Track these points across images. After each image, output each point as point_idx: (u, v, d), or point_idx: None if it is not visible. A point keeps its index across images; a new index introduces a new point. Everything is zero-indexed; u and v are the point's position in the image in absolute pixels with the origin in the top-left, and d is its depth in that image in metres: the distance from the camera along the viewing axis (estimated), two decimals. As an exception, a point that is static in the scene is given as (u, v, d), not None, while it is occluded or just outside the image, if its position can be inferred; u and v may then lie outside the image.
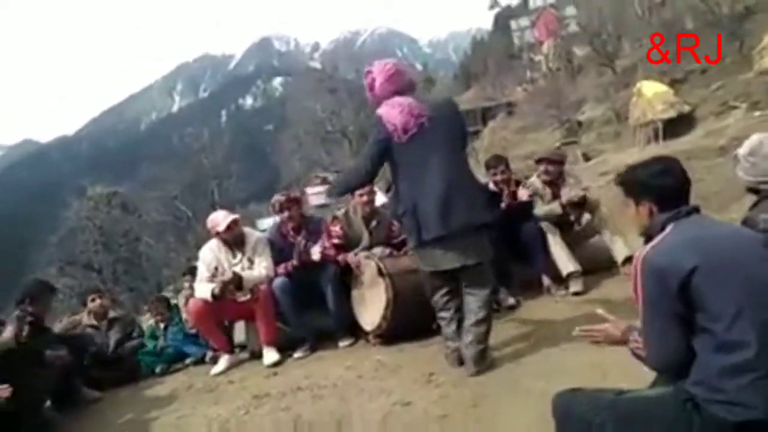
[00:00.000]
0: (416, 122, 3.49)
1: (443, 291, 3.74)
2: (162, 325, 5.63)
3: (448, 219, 3.46)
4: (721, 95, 16.33)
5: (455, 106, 3.83)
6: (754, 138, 2.54)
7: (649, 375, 2.34)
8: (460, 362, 3.62)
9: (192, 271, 5.76)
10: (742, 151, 2.51)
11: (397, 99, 3.57)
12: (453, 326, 3.71)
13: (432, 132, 3.50)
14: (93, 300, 5.51)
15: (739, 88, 15.83)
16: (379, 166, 3.68)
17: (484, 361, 3.54)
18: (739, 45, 17.82)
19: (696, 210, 2.18)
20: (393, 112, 3.52)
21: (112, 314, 5.58)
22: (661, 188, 2.17)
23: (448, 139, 3.56)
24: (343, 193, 4.26)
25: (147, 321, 5.93)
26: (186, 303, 5.41)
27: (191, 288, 5.51)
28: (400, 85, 3.64)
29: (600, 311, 2.38)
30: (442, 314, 3.76)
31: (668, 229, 2.12)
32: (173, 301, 5.94)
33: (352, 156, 33.79)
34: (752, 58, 16.48)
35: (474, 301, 3.58)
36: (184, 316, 5.55)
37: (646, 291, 2.07)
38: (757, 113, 13.81)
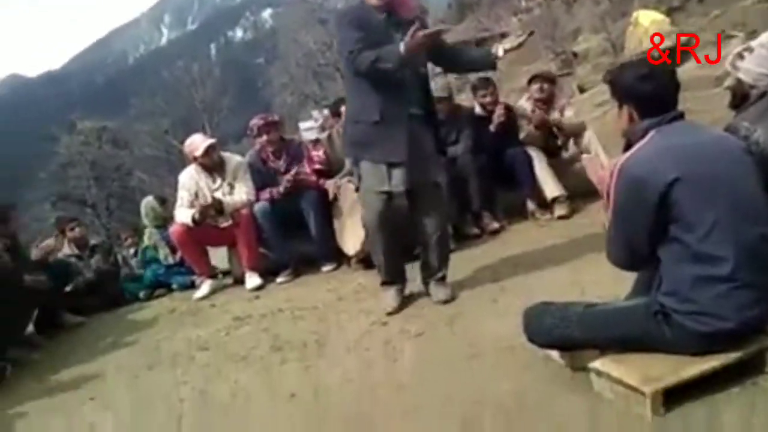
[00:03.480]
0: None
1: None
2: (132, 251, 5.61)
3: None
4: (718, 24, 15.93)
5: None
6: None
7: (626, 292, 2.31)
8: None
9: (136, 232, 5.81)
10: (761, 40, 2.38)
11: None
12: None
13: None
14: (72, 229, 5.44)
15: (737, 17, 15.43)
16: None
17: None
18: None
19: (681, 116, 2.09)
20: None
21: (92, 242, 5.55)
22: (643, 93, 2.07)
23: None
24: None
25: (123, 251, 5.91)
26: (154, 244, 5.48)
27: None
28: None
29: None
30: None
31: (649, 136, 2.03)
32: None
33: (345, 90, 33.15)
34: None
35: None
36: (161, 252, 5.47)
37: (619, 200, 2.01)
38: (754, 42, 13.52)
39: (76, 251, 5.37)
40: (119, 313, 5.06)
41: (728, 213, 1.91)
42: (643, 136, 2.02)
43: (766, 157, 2.17)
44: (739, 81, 2.40)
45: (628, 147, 2.07)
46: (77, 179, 33.53)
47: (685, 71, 14.02)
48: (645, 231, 1.97)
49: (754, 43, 2.39)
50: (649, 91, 2.05)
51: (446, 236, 3.65)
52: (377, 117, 3.26)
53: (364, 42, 3.17)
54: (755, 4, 15.22)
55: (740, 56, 2.38)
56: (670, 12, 17.84)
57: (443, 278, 3.55)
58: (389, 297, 3.52)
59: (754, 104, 2.31)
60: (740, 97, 2.39)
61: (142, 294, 5.34)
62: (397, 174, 3.30)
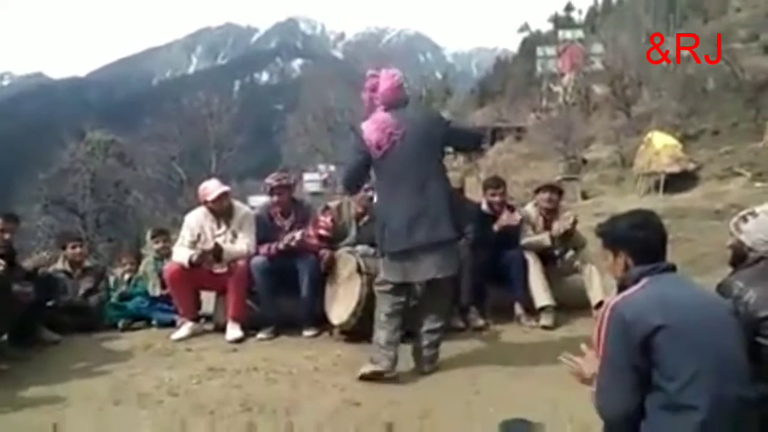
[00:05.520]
0: (389, 139, 3.68)
1: (396, 304, 3.80)
2: (127, 277, 5.60)
3: (413, 234, 3.63)
4: (727, 159, 16.42)
5: (434, 117, 4.05)
6: None
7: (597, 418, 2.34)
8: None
9: (161, 233, 5.80)
10: (766, 207, 2.53)
11: (379, 115, 3.74)
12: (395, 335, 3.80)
13: (405, 148, 3.68)
14: (73, 247, 5.48)
15: (747, 156, 15.93)
16: (357, 176, 4.00)
17: (434, 364, 3.88)
18: (754, 114, 17.95)
19: (672, 268, 2.20)
20: (371, 127, 3.72)
21: (86, 263, 5.57)
22: (639, 242, 2.19)
23: (421, 152, 3.74)
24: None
25: (118, 272, 5.90)
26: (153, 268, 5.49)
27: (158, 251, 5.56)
28: (399, 98, 3.80)
29: (583, 347, 2.38)
30: (386, 326, 3.79)
31: (641, 282, 2.12)
32: (145, 255, 5.86)
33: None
34: (765, 128, 16.64)
35: (432, 310, 3.90)
36: (150, 282, 5.50)
37: (608, 340, 2.08)
38: (758, 184, 13.91)
39: (68, 268, 5.41)
40: (95, 338, 5.02)
41: (706, 368, 1.97)
42: (636, 282, 2.12)
43: (753, 320, 2.25)
44: (739, 242, 2.53)
45: (621, 290, 2.16)
46: (74, 186, 33.45)
47: (689, 199, 14.39)
48: (629, 373, 2.02)
49: (758, 209, 2.54)
50: (644, 239, 2.17)
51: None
52: None
53: None
54: (767, 148, 15.77)
55: (744, 219, 2.53)
56: (684, 139, 18.37)
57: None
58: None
59: (750, 266, 2.43)
60: (739, 258, 2.51)
61: (120, 323, 5.31)
62: None
